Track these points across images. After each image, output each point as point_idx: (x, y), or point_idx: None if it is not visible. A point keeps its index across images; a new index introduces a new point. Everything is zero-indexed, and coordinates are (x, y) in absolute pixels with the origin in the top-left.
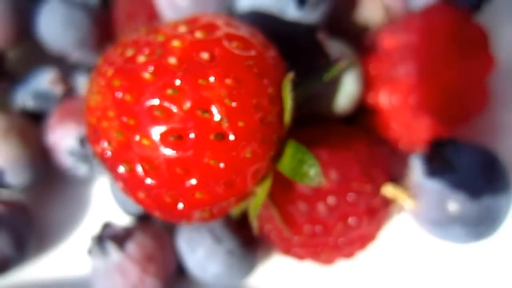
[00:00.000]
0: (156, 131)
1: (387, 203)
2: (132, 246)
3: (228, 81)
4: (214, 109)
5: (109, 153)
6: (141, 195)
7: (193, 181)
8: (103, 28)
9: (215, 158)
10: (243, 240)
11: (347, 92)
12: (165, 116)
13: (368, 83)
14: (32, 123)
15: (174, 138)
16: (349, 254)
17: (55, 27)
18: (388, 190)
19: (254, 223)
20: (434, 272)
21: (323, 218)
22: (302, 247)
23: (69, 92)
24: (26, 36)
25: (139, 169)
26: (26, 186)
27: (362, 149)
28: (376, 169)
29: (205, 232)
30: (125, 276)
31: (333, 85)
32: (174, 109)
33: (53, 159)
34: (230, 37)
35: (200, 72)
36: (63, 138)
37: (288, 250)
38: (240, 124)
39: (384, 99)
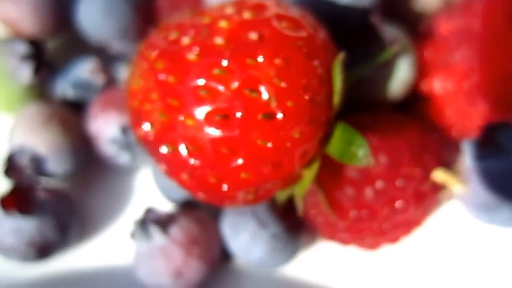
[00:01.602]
0: (201, 111)
1: (436, 189)
2: (175, 230)
3: (277, 61)
4: (262, 88)
5: (151, 135)
6: (184, 176)
7: (239, 161)
8: (145, 18)
9: (263, 137)
10: (288, 224)
11: (400, 77)
12: (211, 96)
13: (422, 69)
14: (73, 112)
15: (220, 117)
16: (394, 239)
17: (95, 16)
18: (439, 175)
19: (300, 206)
20: (480, 259)
21: (370, 203)
22: (347, 232)
23: (110, 82)
24: (65, 26)
25: (183, 149)
26: (67, 175)
27: (413, 135)
28: (426, 155)
29: (249, 216)
30: (169, 259)
31: (386, 70)
32: (221, 88)
33: (95, 147)
34: (279, 17)
35: (249, 52)
36: (105, 127)
37: (332, 235)
38: (289, 104)
39: (438, 85)
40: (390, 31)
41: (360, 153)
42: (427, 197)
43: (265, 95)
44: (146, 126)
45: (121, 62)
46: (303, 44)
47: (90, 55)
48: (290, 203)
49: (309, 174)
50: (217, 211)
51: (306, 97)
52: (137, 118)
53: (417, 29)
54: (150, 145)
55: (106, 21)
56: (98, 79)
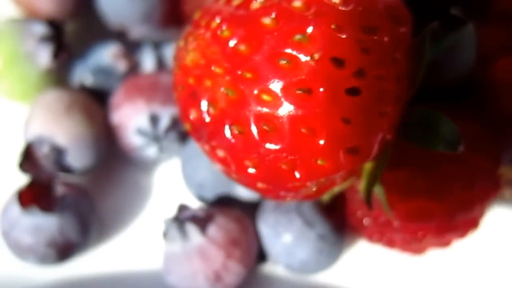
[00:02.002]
0: (280, 85)
1: (497, 186)
2: (214, 230)
3: (364, 28)
4: (348, 60)
5: (210, 117)
6: (248, 163)
7: (320, 143)
8: (171, 2)
9: (347, 116)
10: (333, 225)
11: (464, 61)
12: (291, 66)
13: (483, 54)
14: (94, 101)
15: (302, 92)
16: (447, 243)
17: None
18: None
19: (369, 202)
20: None
21: None
22: (400, 233)
23: (133, 69)
24: (84, 8)
25: (254, 130)
26: (88, 169)
27: (472, 127)
28: (486, 148)
29: (294, 215)
30: (208, 261)
31: (452, 53)
32: (303, 58)
33: (119, 139)
34: None
35: (333, 17)
36: (131, 116)
37: (381, 237)
38: (375, 79)
39: (503, 70)
40: (456, 11)
41: (450, 138)
42: (491, 194)
43: (351, 68)
44: (204, 107)
45: (146, 48)
46: (390, 10)
47: (111, 40)
48: (333, 201)
49: (380, 166)
50: (253, 209)
51: (394, 73)
52: (190, 98)
53: (482, 10)
54: (207, 129)
55: (129, 4)
56: (120, 66)
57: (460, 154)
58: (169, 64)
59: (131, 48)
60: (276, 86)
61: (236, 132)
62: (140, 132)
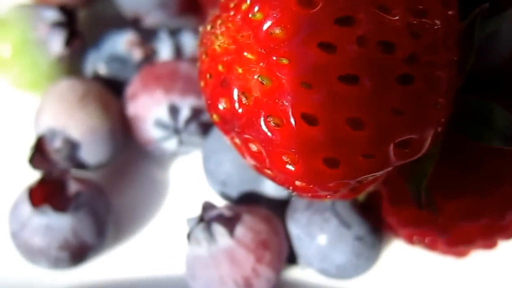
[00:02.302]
0: (321, 72)
1: None
2: (242, 231)
3: (413, 11)
4: (398, 44)
5: (242, 107)
6: (286, 159)
7: (366, 137)
8: None
9: (397, 106)
10: (371, 225)
11: (502, 46)
12: (334, 52)
13: None
14: (109, 91)
15: (347, 80)
16: (493, 244)
17: None
18: None
19: (423, 197)
20: None
21: None
22: (444, 234)
23: (149, 58)
24: None
25: (294, 123)
26: (102, 164)
27: None
28: None
29: (330, 214)
30: (237, 266)
31: (496, 39)
32: (347, 42)
33: (135, 131)
34: None
35: None
36: (149, 108)
37: (422, 239)
38: (428, 65)
39: None
40: None
41: (507, 132)
42: None
43: (401, 53)
44: (236, 96)
45: (162, 35)
46: None
47: (126, 27)
48: (369, 200)
49: (430, 162)
50: (281, 208)
51: (445, 58)
52: (219, 87)
53: None
54: (239, 121)
55: None
56: (136, 54)
57: (508, 148)
58: (186, 52)
59: (146, 36)
60: (317, 73)
61: (273, 124)
62: (159, 124)
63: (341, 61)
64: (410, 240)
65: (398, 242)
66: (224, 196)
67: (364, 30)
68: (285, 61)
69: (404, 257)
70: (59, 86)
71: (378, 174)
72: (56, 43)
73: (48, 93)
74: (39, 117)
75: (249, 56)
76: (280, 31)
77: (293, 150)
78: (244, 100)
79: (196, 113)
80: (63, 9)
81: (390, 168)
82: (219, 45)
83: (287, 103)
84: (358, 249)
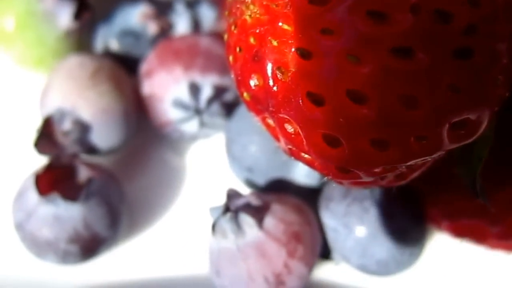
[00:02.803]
0: (370, 44)
1: None
2: (272, 222)
3: None
4: (456, 14)
5: (278, 84)
6: (328, 141)
7: (418, 115)
8: None
9: (455, 82)
10: (415, 216)
11: None
12: (385, 22)
13: None
14: (122, 68)
15: (399, 53)
16: None
17: None
18: None
19: (474, 186)
20: None
21: None
22: (496, 225)
23: (165, 32)
24: None
25: (337, 100)
26: (115, 148)
27: None
28: None
29: (370, 204)
30: (267, 260)
31: None
32: (400, 12)
33: (152, 112)
34: None
35: None
36: (167, 86)
37: (471, 231)
38: (488, 38)
39: None
40: None
41: None
42: None
43: (459, 23)
44: (271, 71)
45: (178, 7)
46: None
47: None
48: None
49: (485, 146)
50: (311, 197)
51: (506, 30)
52: (251, 62)
53: None
54: (274, 99)
55: None
56: (151, 28)
57: None
58: (205, 25)
59: (161, 8)
60: (365, 45)
61: (314, 102)
62: (178, 104)
63: (393, 32)
64: (455, 232)
65: (442, 236)
66: (250, 183)
67: None
68: (328, 31)
69: (449, 252)
70: (68, 62)
71: (429, 158)
72: (64, 16)
73: (56, 70)
74: (46, 96)
75: (286, 27)
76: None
77: (336, 131)
78: (279, 75)
79: (218, 92)
80: None
81: (442, 152)
82: (250, 15)
83: (330, 79)
84: (401, 243)
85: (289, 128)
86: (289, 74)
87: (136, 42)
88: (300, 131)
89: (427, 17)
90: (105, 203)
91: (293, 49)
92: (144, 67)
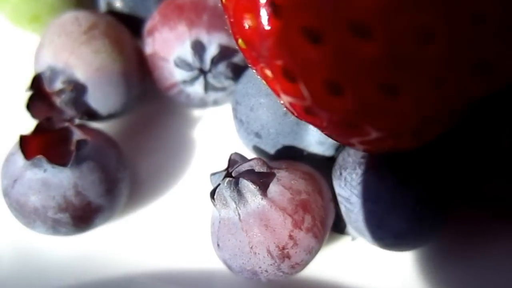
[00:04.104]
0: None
1: None
2: (278, 189)
3: None
4: None
5: (272, 23)
6: (332, 87)
7: (434, 51)
8: None
9: (478, 10)
10: (436, 183)
11: None
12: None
13: None
14: (123, 25)
15: (423, 35)
16: None
17: None
18: None
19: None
20: None
21: None
22: None
23: None
24: None
25: (342, 34)
26: (115, 113)
27: None
28: None
29: (385, 171)
30: (270, 231)
31: None
32: None
33: (154, 73)
34: None
35: None
36: (169, 44)
37: None
38: None
39: None
40: None
41: None
42: None
43: None
44: (265, 8)
45: None
46: None
47: None
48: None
49: None
50: (325, 167)
51: None
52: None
53: None
54: (269, 41)
55: None
56: None
57: None
58: None
59: None
60: (390, 25)
61: (310, 38)
62: (182, 63)
63: (418, 13)
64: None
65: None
66: (258, 150)
67: None
68: None
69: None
70: (62, 18)
71: (450, 110)
72: None
73: (50, 26)
74: (39, 54)
75: None
76: None
77: (338, 74)
78: (273, 11)
79: (225, 52)
80: None
81: (467, 102)
82: None
83: (328, 8)
84: (420, 213)
85: (287, 76)
86: (286, 8)
87: (141, 1)
88: (298, 78)
89: None
90: (100, 169)
91: None
92: (147, 25)
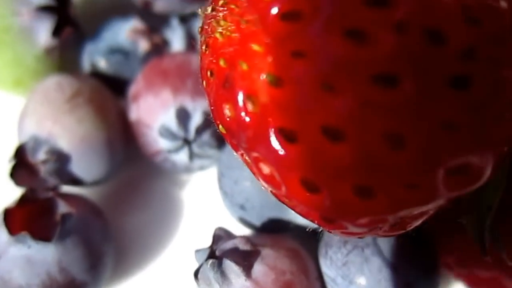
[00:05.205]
0: (350, 69)
1: None
2: (262, 270)
3: None
4: (451, 34)
5: (249, 116)
6: (306, 185)
7: (406, 157)
8: None
9: (450, 118)
10: (423, 268)
11: None
12: (365, 42)
13: None
14: (107, 90)
15: (383, 81)
16: None
17: None
18: None
19: (481, 240)
20: None
21: None
22: None
23: (158, 50)
24: None
25: (314, 136)
26: (99, 180)
27: None
28: None
29: (371, 253)
30: None
31: None
32: (382, 31)
33: (139, 140)
34: None
35: None
36: (154, 112)
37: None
38: (490, 63)
39: None
40: None
41: None
42: None
43: (454, 46)
44: (242, 100)
45: (171, 23)
46: None
47: (130, 14)
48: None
49: (494, 193)
50: (311, 239)
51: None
52: (223, 89)
53: None
54: (246, 134)
55: None
56: (142, 45)
57: None
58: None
59: (155, 23)
60: (342, 71)
61: (286, 138)
62: (166, 132)
63: (374, 55)
64: (471, 284)
65: (459, 285)
66: (244, 221)
67: (404, 13)
68: (299, 54)
69: None
70: (45, 84)
71: (425, 208)
72: (43, 32)
73: (33, 92)
74: (22, 123)
75: (256, 48)
76: (295, 16)
77: (314, 173)
78: (250, 106)
79: (210, 120)
80: None
81: (441, 202)
82: (221, 33)
83: (303, 112)
84: None
85: (265, 169)
86: (259, 105)
87: (126, 60)
88: (275, 173)
89: (416, 37)
90: (84, 243)
91: (262, 75)
92: (131, 90)
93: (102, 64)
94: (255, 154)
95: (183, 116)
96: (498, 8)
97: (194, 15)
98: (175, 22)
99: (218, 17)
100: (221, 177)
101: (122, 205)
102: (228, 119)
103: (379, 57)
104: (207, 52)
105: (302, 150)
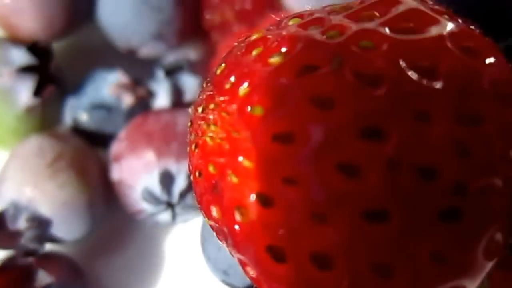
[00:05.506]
0: (342, 203)
1: None
2: None
3: (461, 119)
4: (442, 170)
5: (238, 225)
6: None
7: (393, 284)
8: (188, 13)
9: (437, 250)
10: None
11: None
12: (357, 178)
13: None
14: (89, 149)
15: (373, 217)
16: None
17: (124, 12)
18: None
19: None
20: None
21: None
22: None
23: (143, 104)
24: (82, 23)
25: (303, 263)
26: (79, 239)
27: None
28: None
29: None
30: None
31: None
32: (374, 167)
33: (121, 199)
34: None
35: (414, 103)
36: (137, 173)
37: None
38: (480, 194)
39: None
40: None
41: None
42: None
43: (445, 181)
44: (230, 210)
45: (157, 74)
46: (498, 87)
47: (112, 67)
48: None
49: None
50: None
51: (503, 178)
52: (211, 192)
53: None
54: (234, 239)
55: (137, 18)
56: (126, 100)
57: None
58: (188, 95)
59: (140, 75)
60: (333, 204)
61: (274, 257)
62: (148, 196)
63: (365, 191)
64: None
65: None
66: (227, 284)
67: (396, 150)
68: (291, 181)
69: None
70: (26, 146)
71: None
72: (24, 93)
73: (12, 156)
74: (2, 187)
75: (246, 163)
76: (287, 139)
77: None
78: (239, 217)
79: None
80: (34, 47)
81: None
82: (211, 138)
83: (293, 236)
84: None
85: (251, 272)
86: (248, 219)
87: (109, 115)
88: (261, 281)
89: (408, 175)
90: None
91: (253, 195)
92: (113, 149)
93: (85, 119)
94: (241, 257)
95: (167, 179)
96: (489, 135)
97: (179, 67)
98: (160, 74)
99: (208, 120)
100: (204, 242)
101: (103, 258)
102: (216, 218)
103: (370, 193)
104: (196, 151)
105: (290, 270)
